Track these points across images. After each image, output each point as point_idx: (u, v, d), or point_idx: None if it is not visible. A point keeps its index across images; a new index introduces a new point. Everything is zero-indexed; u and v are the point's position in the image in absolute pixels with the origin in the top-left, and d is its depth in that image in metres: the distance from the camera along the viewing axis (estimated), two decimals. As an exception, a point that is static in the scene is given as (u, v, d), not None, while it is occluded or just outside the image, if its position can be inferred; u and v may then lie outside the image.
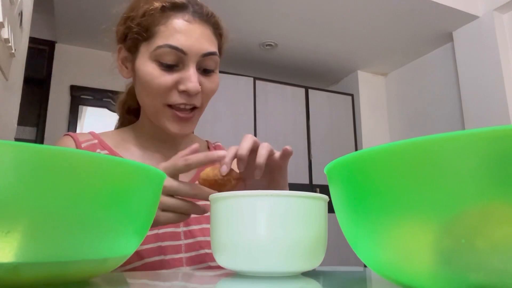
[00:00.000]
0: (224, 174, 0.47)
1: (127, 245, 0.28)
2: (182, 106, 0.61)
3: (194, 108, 0.63)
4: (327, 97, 3.55)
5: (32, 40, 2.00)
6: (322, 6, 2.65)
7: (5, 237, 0.21)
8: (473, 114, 2.78)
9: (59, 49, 3.09)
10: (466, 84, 2.85)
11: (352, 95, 3.67)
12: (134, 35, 0.61)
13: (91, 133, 0.69)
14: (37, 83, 2.98)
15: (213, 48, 0.61)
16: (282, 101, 3.33)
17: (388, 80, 3.82)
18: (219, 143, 0.81)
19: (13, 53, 0.82)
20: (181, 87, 0.59)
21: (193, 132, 0.81)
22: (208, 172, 0.49)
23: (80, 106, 3.13)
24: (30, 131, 2.94)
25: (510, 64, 2.65)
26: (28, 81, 1.46)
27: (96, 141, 0.66)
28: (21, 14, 0.90)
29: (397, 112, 3.67)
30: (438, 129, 3.16)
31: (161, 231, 0.61)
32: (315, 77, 3.83)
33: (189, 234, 0.63)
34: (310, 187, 3.25)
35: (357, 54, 3.39)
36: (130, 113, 0.75)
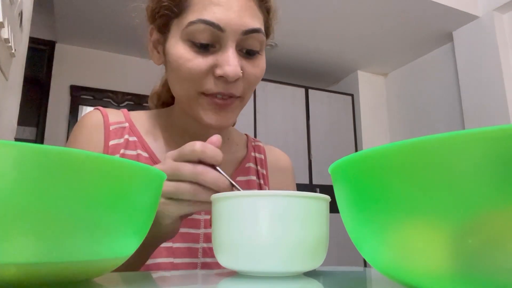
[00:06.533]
0: None
1: (127, 245, 0.28)
2: (218, 96, 0.51)
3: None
4: (327, 97, 3.55)
5: (32, 40, 2.01)
6: (322, 7, 2.65)
7: (5, 238, 0.21)
8: (473, 114, 2.78)
9: (59, 49, 3.10)
10: (466, 84, 2.86)
11: (352, 95, 3.67)
12: (164, 10, 0.51)
13: (123, 112, 0.61)
14: (37, 83, 2.98)
15: (257, 24, 0.51)
16: (282, 101, 3.33)
17: (388, 80, 3.82)
18: (259, 143, 0.71)
19: (13, 53, 0.82)
20: (218, 72, 0.49)
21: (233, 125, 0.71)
22: None
23: (80, 106, 3.13)
24: (30, 131, 2.95)
25: (510, 64, 2.65)
26: (28, 81, 1.46)
27: (126, 124, 0.59)
28: (21, 14, 0.90)
29: (397, 112, 3.67)
30: (438, 129, 3.16)
31: (175, 245, 0.54)
32: (315, 77, 3.83)
33: (209, 252, 0.56)
34: (310, 187, 3.25)
35: (357, 54, 3.39)
36: (164, 106, 0.67)
